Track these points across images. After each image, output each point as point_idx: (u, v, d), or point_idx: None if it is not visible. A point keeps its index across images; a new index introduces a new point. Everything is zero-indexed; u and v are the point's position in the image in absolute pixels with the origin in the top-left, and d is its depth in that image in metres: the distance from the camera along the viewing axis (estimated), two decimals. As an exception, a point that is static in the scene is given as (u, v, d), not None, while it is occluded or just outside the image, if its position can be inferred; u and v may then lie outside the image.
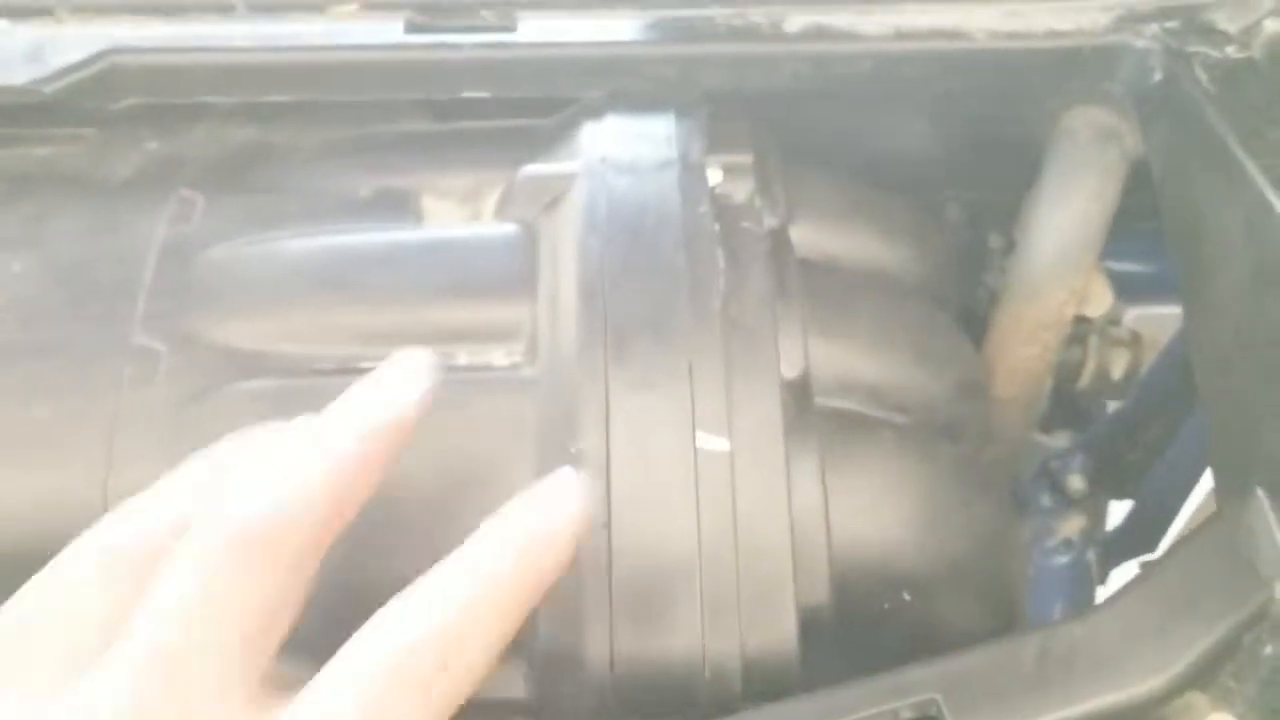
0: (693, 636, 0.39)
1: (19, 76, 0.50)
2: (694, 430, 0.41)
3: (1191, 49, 0.51)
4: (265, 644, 0.31)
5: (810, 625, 0.41)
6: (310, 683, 0.30)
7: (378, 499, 0.41)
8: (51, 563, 0.34)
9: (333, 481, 0.32)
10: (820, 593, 0.42)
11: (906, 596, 0.44)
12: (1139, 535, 0.88)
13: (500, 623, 0.31)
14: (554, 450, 0.41)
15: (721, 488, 0.40)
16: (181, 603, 0.30)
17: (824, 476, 0.43)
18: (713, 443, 0.41)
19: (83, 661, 0.31)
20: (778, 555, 0.40)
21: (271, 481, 0.31)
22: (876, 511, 0.44)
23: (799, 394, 0.44)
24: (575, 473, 0.35)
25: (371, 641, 0.31)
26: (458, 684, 0.31)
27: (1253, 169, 0.44)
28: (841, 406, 0.46)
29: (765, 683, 0.40)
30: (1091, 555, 0.82)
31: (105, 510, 0.42)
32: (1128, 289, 0.69)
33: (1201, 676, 0.38)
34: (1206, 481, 0.82)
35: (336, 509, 0.32)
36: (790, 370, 0.45)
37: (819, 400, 0.45)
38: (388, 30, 0.53)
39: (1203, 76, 0.49)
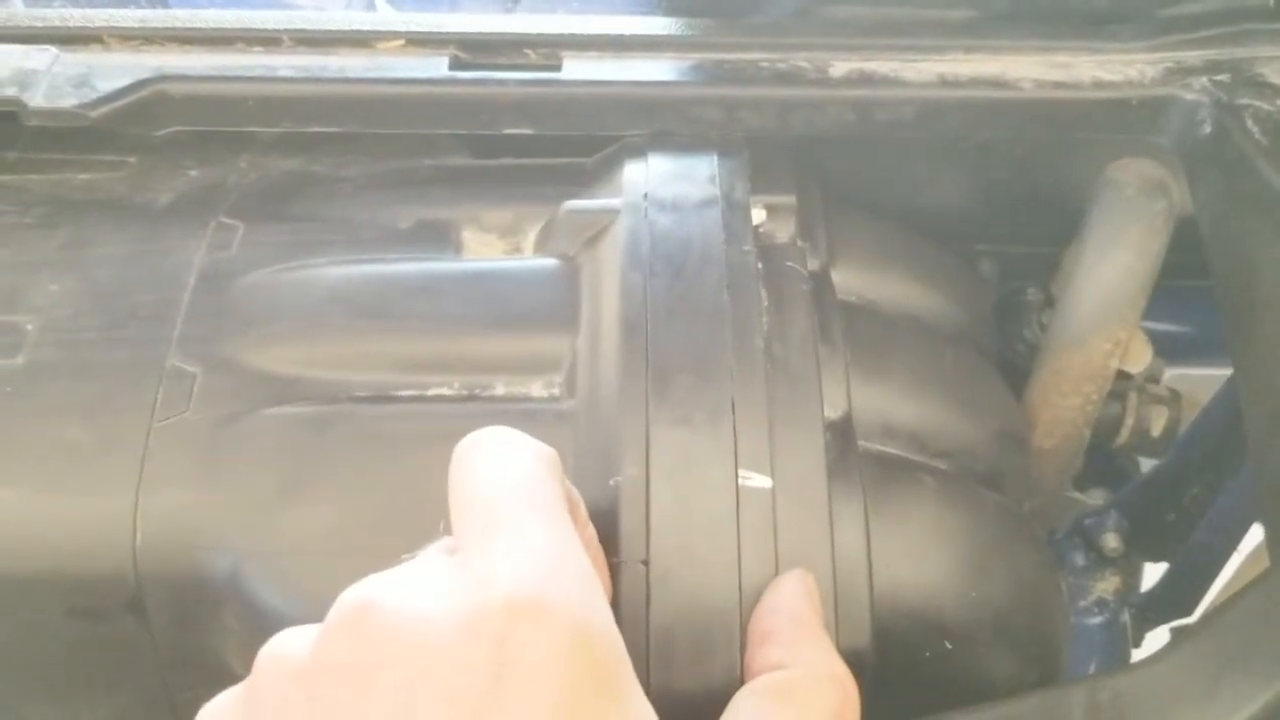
0: (731, 676, 0.38)
1: (66, 101, 0.50)
2: (736, 467, 0.40)
3: (1242, 102, 0.50)
4: None
5: (850, 670, 0.40)
6: None
7: (408, 529, 0.40)
8: None
9: None
10: (861, 637, 0.41)
11: (948, 645, 0.43)
12: (1175, 599, 0.87)
13: None
14: (592, 483, 0.40)
15: (763, 525, 0.39)
16: None
17: (866, 519, 0.42)
18: (755, 480, 0.40)
19: None
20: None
21: None
22: (919, 557, 0.43)
23: (841, 435, 0.44)
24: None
25: None
26: None
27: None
28: (883, 450, 0.46)
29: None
30: (1126, 617, 0.80)
31: (135, 530, 0.42)
32: (1165, 349, 0.68)
33: (1254, 735, 0.37)
34: (1244, 545, 0.81)
35: None
36: (833, 411, 0.44)
37: (861, 443, 0.45)
38: (433, 66, 0.53)
39: (1254, 129, 0.49)
